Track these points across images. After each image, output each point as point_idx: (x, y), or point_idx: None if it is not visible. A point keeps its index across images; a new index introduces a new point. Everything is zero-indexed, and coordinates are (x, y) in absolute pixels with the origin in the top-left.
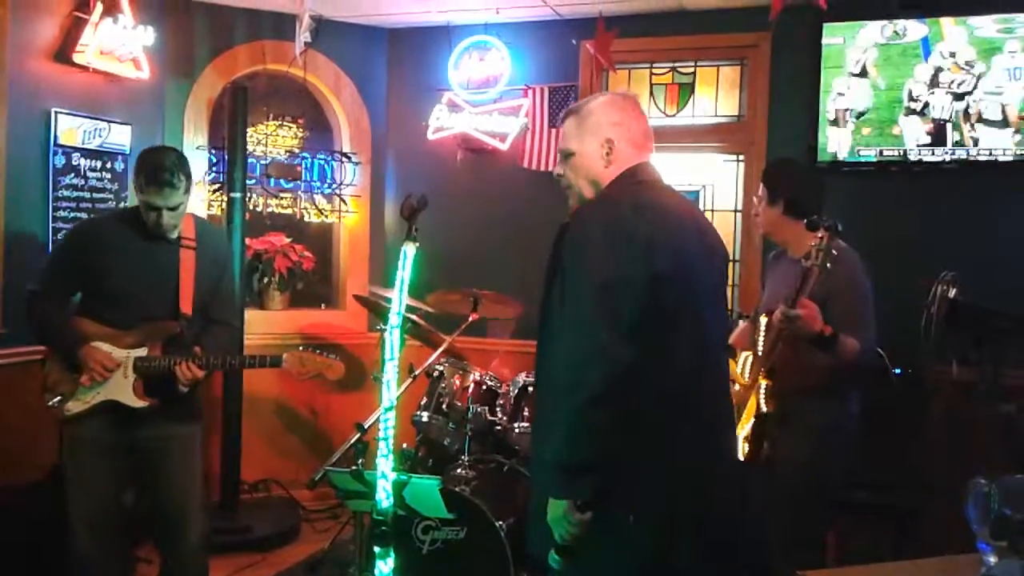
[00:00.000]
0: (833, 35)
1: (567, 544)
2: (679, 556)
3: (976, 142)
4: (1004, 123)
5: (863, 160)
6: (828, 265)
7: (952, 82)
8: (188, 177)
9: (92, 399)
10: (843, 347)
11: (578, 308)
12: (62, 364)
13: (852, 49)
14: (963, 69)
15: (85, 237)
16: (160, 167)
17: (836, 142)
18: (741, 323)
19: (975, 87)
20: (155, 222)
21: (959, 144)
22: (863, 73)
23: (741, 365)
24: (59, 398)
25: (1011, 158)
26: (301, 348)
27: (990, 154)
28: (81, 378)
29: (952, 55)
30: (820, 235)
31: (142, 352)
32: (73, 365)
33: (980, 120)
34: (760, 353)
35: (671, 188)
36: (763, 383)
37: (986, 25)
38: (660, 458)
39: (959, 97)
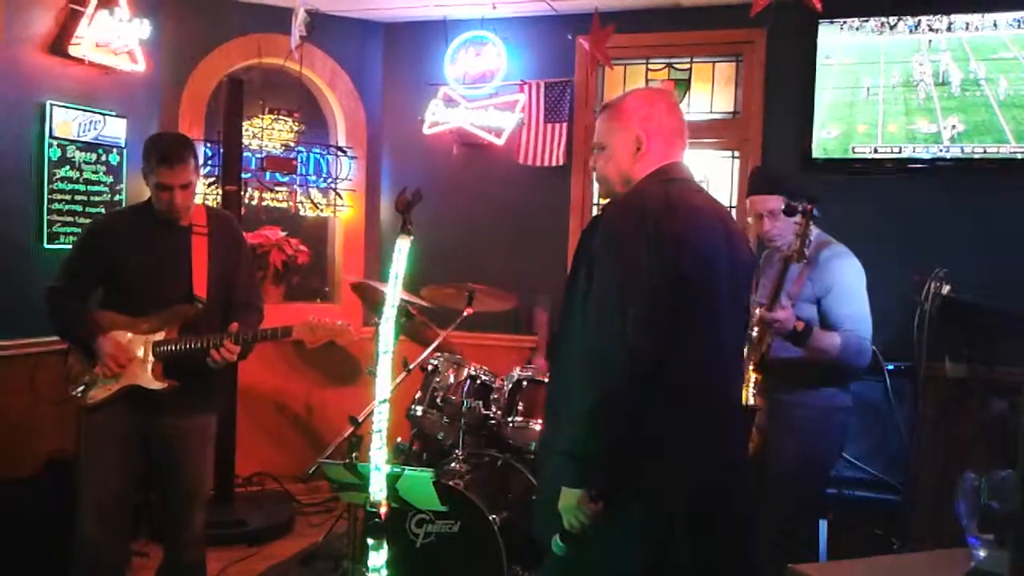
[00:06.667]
0: (828, 32)
1: (575, 531)
2: (679, 555)
3: (971, 140)
4: (997, 121)
5: (858, 157)
6: (805, 251)
7: (946, 79)
8: (196, 156)
9: (114, 386)
10: (816, 343)
11: (603, 299)
12: (83, 355)
13: (847, 46)
14: (958, 67)
15: (98, 231)
16: (169, 145)
17: (830, 139)
18: None
19: (970, 85)
20: (168, 203)
21: (953, 141)
22: (858, 70)
23: None
24: (82, 387)
25: (1006, 156)
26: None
27: (984, 152)
28: (95, 368)
29: (947, 53)
30: (797, 221)
31: (159, 336)
32: (92, 356)
33: (974, 117)
34: (752, 346)
35: (702, 189)
36: (753, 377)
37: (980, 25)
38: (665, 453)
39: (952, 93)
